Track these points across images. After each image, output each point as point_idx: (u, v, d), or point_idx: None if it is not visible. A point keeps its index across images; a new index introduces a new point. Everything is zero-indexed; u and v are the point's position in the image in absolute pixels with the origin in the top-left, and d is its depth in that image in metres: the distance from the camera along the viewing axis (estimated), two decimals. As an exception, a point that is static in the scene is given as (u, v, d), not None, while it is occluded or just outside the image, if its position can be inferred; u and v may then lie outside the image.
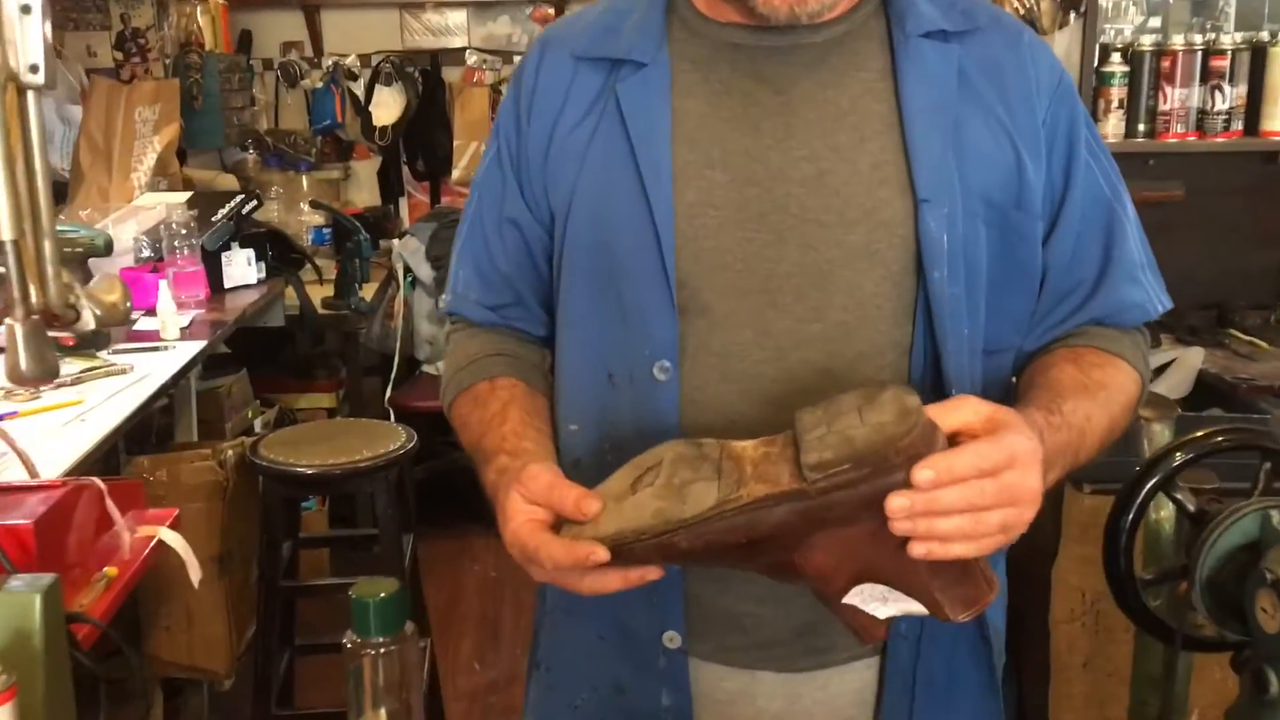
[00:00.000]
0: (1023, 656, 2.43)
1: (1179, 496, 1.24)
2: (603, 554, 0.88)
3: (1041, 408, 0.97)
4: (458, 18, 4.55)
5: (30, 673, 1.01)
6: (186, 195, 2.94)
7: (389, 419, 3.40)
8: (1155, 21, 3.03)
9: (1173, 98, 2.38)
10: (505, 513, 0.95)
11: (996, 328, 1.07)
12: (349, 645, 1.00)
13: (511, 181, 1.13)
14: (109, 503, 1.33)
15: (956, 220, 1.02)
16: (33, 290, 1.20)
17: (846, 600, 0.91)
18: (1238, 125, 2.41)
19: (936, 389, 1.03)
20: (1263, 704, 1.12)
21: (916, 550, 0.84)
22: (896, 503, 0.81)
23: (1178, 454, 1.25)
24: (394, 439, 2.47)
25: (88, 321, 1.37)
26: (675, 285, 1.03)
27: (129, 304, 1.53)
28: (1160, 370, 2.30)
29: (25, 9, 1.16)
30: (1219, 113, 2.39)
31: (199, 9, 3.84)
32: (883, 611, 0.92)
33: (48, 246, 1.23)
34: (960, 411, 0.86)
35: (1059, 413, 0.98)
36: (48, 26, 1.20)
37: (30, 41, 1.17)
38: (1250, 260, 2.50)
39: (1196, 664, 1.60)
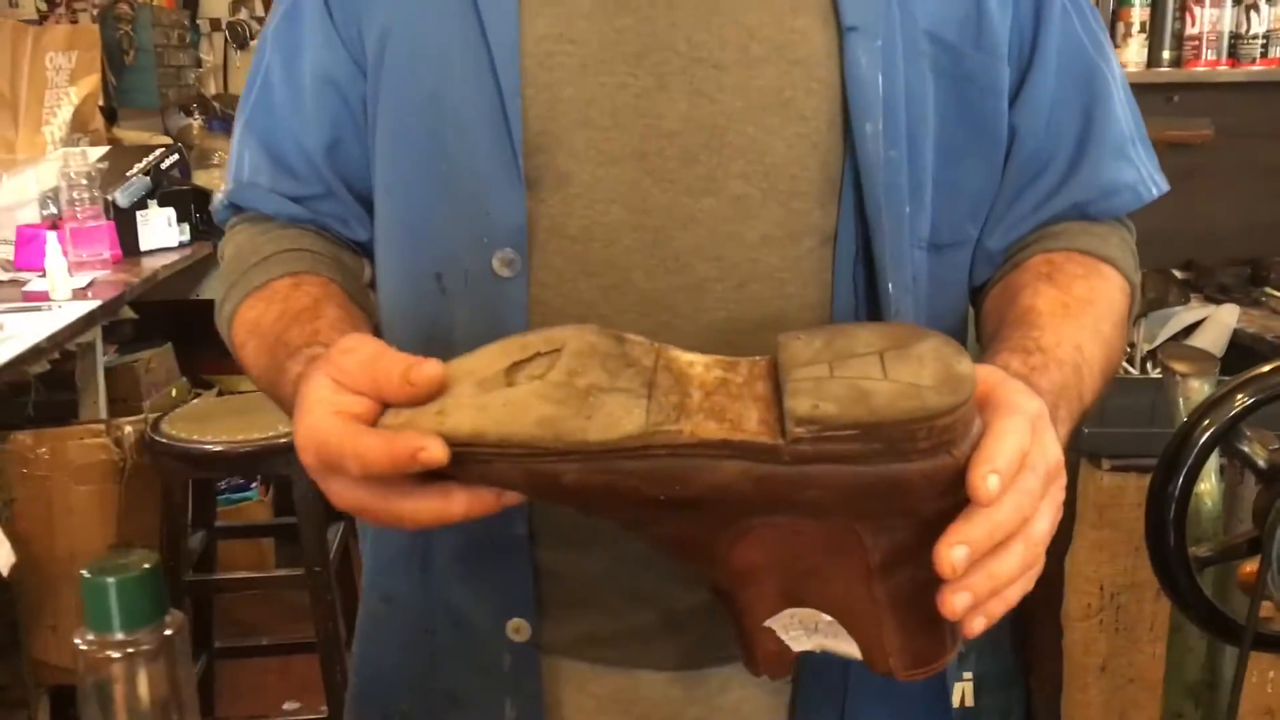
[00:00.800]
0: (1032, 659, 2.20)
1: (1245, 449, 0.95)
2: (437, 451, 0.58)
3: (1016, 350, 0.74)
4: (420, -26, 4.30)
5: None
6: (95, 150, 2.66)
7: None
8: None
9: (1201, 20, 2.19)
10: (304, 403, 0.64)
11: (948, 209, 0.82)
12: (84, 647, 0.71)
13: (326, 24, 0.84)
14: None
15: (895, 57, 0.78)
16: None
17: (768, 623, 0.65)
18: (1275, 52, 2.20)
19: (869, 289, 0.79)
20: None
21: (956, 604, 0.58)
22: (956, 555, 0.57)
23: (1239, 395, 0.96)
24: (317, 413, 2.19)
25: None
26: (522, 149, 0.77)
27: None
28: (1189, 330, 2.04)
29: None
30: (1254, 37, 2.19)
31: (135, -41, 3.57)
32: (802, 644, 0.66)
33: None
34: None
35: (1038, 349, 0.74)
36: None
37: None
38: None
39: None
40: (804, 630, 0.66)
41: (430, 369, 0.60)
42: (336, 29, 0.84)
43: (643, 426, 0.58)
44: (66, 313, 2.06)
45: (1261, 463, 0.94)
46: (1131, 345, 2.00)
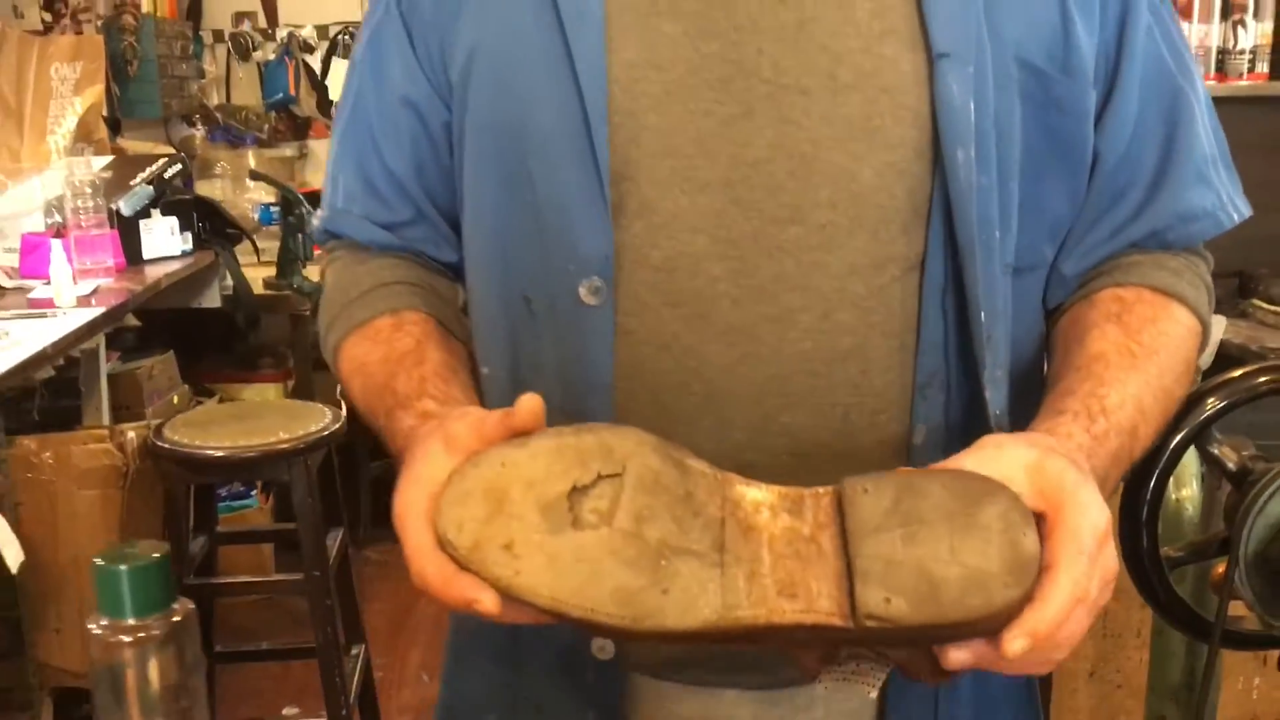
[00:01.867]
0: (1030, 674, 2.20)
1: (1215, 452, 0.98)
2: (491, 606, 0.62)
3: (1081, 414, 0.74)
4: (421, -13, 4.33)
5: None
6: (100, 159, 2.70)
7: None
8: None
9: (1190, 35, 2.20)
10: (410, 470, 0.68)
11: (1030, 234, 0.81)
12: (97, 632, 0.74)
13: (404, 46, 0.86)
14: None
15: (986, 83, 0.76)
16: None
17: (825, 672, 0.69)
18: (1262, 67, 2.23)
19: (955, 315, 0.79)
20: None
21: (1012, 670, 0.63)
22: (1015, 648, 0.60)
23: (1211, 399, 0.99)
24: (318, 419, 2.22)
25: None
26: (608, 176, 0.77)
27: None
28: (1177, 341, 2.06)
29: None
30: (1241, 52, 2.20)
31: (139, -29, 3.61)
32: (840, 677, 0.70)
33: None
34: (998, 465, 0.64)
35: (1103, 413, 0.74)
36: None
37: None
38: (1276, 223, 2.25)
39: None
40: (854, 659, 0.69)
41: (521, 413, 0.64)
42: (417, 55, 0.85)
43: (719, 611, 0.59)
44: (71, 320, 2.09)
45: (1231, 465, 0.97)
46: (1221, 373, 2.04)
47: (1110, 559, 0.63)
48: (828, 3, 0.77)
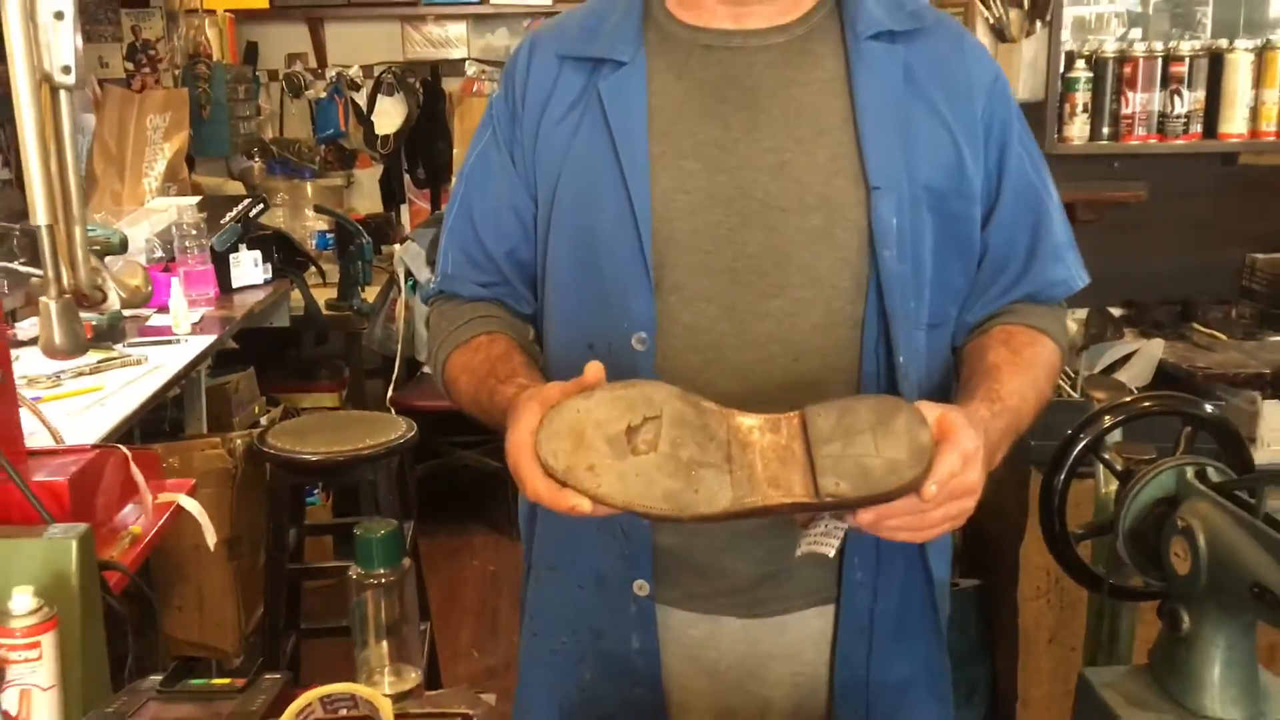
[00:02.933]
0: (996, 634, 2.55)
1: (1107, 456, 1.36)
2: (585, 507, 0.92)
3: (984, 399, 1.08)
4: (457, 30, 4.68)
5: (68, 611, 1.12)
6: (196, 199, 3.07)
7: (390, 417, 3.52)
8: (1136, 32, 3.16)
9: (1134, 102, 2.49)
10: (516, 422, 0.97)
11: (939, 301, 1.17)
12: (354, 577, 1.11)
13: (509, 169, 1.21)
14: (133, 468, 1.46)
15: (904, 206, 1.11)
16: (64, 272, 1.33)
17: (804, 536, 1.02)
18: (1196, 128, 2.52)
19: (887, 359, 1.14)
20: (1177, 641, 1.24)
21: (904, 538, 0.98)
22: (896, 525, 0.95)
23: (1106, 417, 1.37)
24: (395, 429, 2.59)
25: (114, 302, 1.50)
26: (651, 264, 1.12)
27: (150, 288, 1.66)
28: (1124, 360, 2.42)
29: (58, 15, 1.30)
30: (1178, 116, 2.50)
31: (207, 21, 3.98)
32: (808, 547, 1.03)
33: (78, 233, 1.36)
34: (923, 414, 0.97)
35: (998, 399, 1.09)
36: (79, 31, 1.34)
37: (62, 45, 1.31)
38: (1212, 257, 2.61)
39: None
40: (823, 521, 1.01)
41: (589, 374, 0.96)
42: (516, 171, 1.20)
43: (731, 500, 0.90)
44: (192, 346, 2.46)
45: (1119, 467, 1.34)
46: (1075, 373, 2.40)
47: (975, 468, 0.95)
48: (798, 150, 1.12)
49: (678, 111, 1.14)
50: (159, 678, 1.21)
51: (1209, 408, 1.39)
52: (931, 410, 0.96)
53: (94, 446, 1.43)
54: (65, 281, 1.34)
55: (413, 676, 1.13)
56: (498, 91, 1.26)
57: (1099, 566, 1.44)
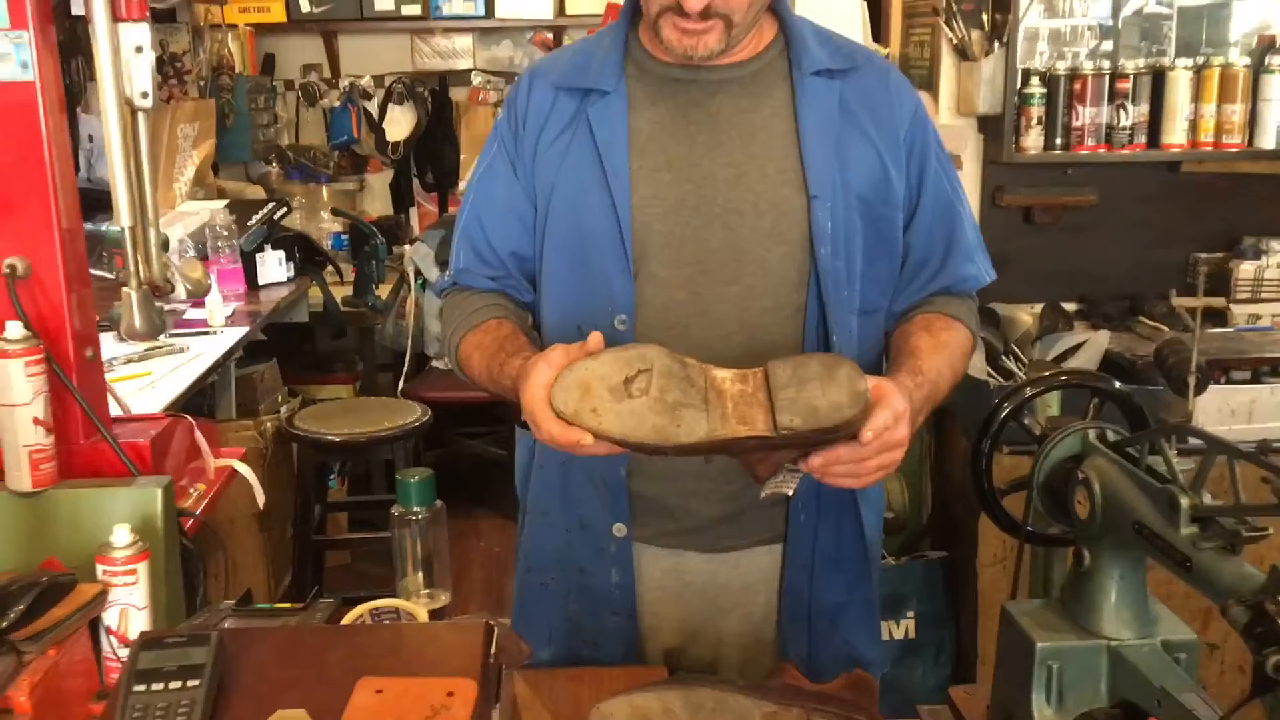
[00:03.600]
0: (960, 601, 2.80)
1: (1026, 422, 1.59)
2: (588, 441, 1.11)
3: (909, 372, 1.31)
4: (464, 42, 4.89)
5: (154, 546, 1.36)
6: (224, 203, 3.31)
7: (402, 407, 3.74)
8: (1108, 45, 3.39)
9: (1084, 115, 2.68)
10: (529, 380, 1.16)
11: (869, 292, 1.41)
12: (395, 514, 1.36)
13: (513, 180, 1.44)
14: (198, 434, 1.70)
15: (838, 211, 1.35)
16: (142, 266, 1.58)
17: (769, 479, 1.24)
18: (1141, 139, 2.71)
19: (822, 339, 1.37)
20: (1080, 575, 1.47)
21: (846, 484, 1.20)
22: (840, 471, 1.17)
23: (1027, 389, 1.61)
24: (411, 413, 2.84)
25: (180, 292, 1.75)
26: (631, 258, 1.35)
27: (209, 280, 1.91)
28: (1074, 350, 2.66)
29: (139, 49, 1.55)
30: (1124, 128, 2.71)
31: (229, 36, 4.22)
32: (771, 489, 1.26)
33: (152, 233, 1.61)
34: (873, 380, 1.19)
35: (920, 373, 1.31)
36: (153, 62, 1.58)
37: (141, 74, 1.56)
38: (1158, 256, 2.84)
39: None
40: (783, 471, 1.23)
41: (591, 343, 1.15)
42: (519, 182, 1.43)
43: (707, 431, 1.10)
44: (227, 336, 2.71)
45: (1036, 431, 1.58)
46: (1028, 360, 2.64)
47: (903, 425, 1.17)
48: (752, 164, 1.35)
49: (653, 132, 1.37)
50: (231, 602, 1.45)
51: (1117, 384, 1.63)
52: (869, 379, 1.18)
53: (166, 415, 1.67)
54: (143, 274, 1.59)
55: (443, 598, 1.38)
56: (502, 114, 1.48)
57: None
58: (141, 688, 1.04)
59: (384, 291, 3.98)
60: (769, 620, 1.49)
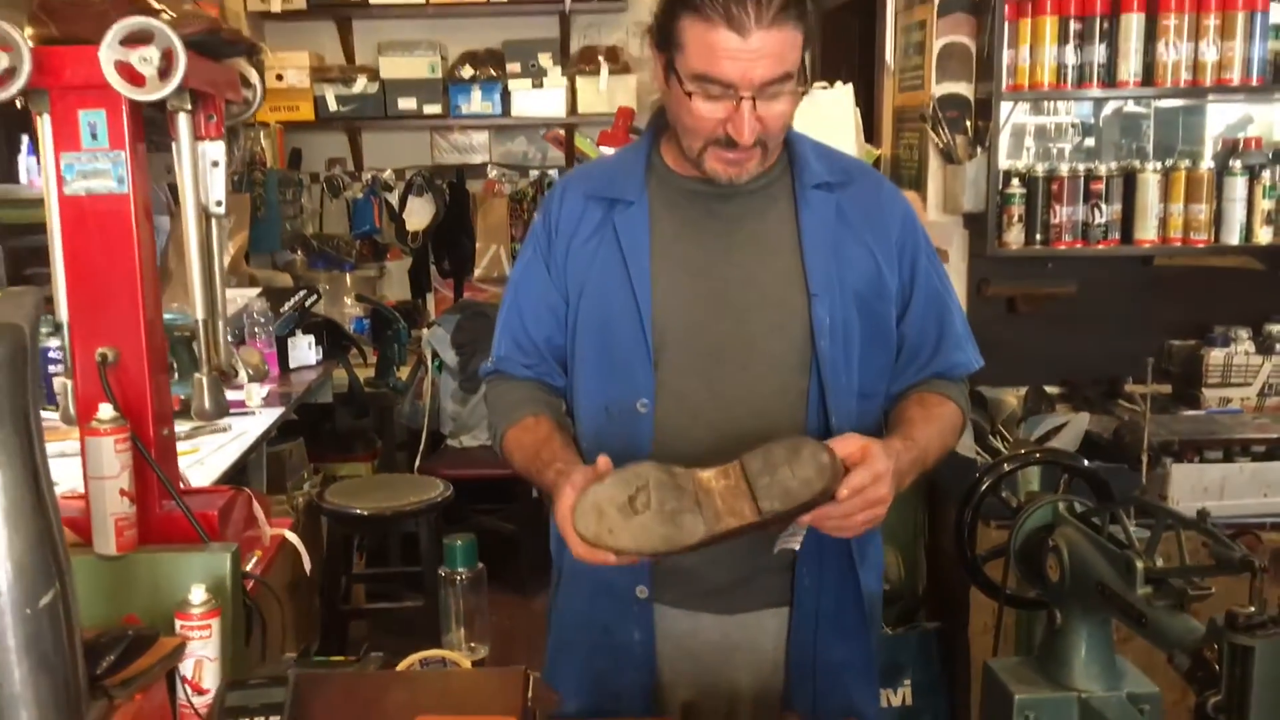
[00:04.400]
0: (953, 669, 2.93)
1: (1004, 495, 1.77)
2: (612, 560, 1.30)
3: (900, 436, 1.46)
4: (480, 138, 5.14)
5: (224, 604, 1.53)
6: (257, 290, 3.51)
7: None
8: (1090, 142, 3.63)
9: (1061, 213, 2.89)
10: (559, 503, 1.34)
11: (866, 377, 1.57)
12: (442, 575, 1.53)
13: (547, 279, 1.60)
14: (255, 506, 1.87)
15: (836, 307, 1.51)
16: (212, 354, 1.77)
17: (777, 540, 1.42)
18: (1115, 235, 2.93)
19: (823, 420, 1.52)
20: (1053, 633, 1.63)
21: (840, 534, 1.37)
22: (831, 525, 1.33)
23: (1005, 464, 1.79)
24: (434, 489, 3.01)
25: (243, 377, 1.94)
26: (652, 349, 1.51)
27: (266, 366, 2.10)
28: (1057, 430, 2.83)
29: (215, 164, 1.76)
30: (1099, 225, 2.92)
31: (261, 133, 4.47)
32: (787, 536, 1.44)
33: (220, 325, 1.80)
34: (847, 444, 1.34)
35: (911, 439, 1.46)
36: (226, 175, 1.79)
37: (217, 185, 1.76)
38: (1134, 343, 3.01)
39: None
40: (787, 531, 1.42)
41: (600, 466, 1.33)
42: (552, 281, 1.59)
43: (705, 532, 1.27)
44: (264, 417, 2.88)
45: (1013, 504, 1.75)
46: (1014, 438, 2.81)
47: (885, 484, 1.31)
48: (759, 266, 1.51)
49: (672, 237, 1.54)
50: (293, 655, 1.61)
51: (1085, 462, 1.81)
52: (857, 440, 1.34)
53: (229, 488, 1.85)
54: (213, 361, 1.78)
55: (483, 651, 1.55)
56: (538, 219, 1.66)
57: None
58: (231, 722, 1.20)
59: (403, 373, 4.16)
60: (777, 676, 1.62)
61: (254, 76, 1.93)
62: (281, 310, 3.42)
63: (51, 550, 1.18)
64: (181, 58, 1.53)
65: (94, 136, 1.60)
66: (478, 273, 4.99)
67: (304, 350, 3.49)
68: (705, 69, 1.39)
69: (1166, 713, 1.63)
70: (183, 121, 1.67)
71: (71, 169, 1.61)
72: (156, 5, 1.74)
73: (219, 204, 1.78)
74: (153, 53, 1.53)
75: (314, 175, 5.04)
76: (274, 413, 2.95)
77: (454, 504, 3.24)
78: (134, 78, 1.54)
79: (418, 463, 4.30)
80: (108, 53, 1.52)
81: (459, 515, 4.27)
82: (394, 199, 4.95)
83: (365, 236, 4.92)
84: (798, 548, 1.41)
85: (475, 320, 4.29)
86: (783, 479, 1.27)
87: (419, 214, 4.89)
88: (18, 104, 1.57)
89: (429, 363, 4.35)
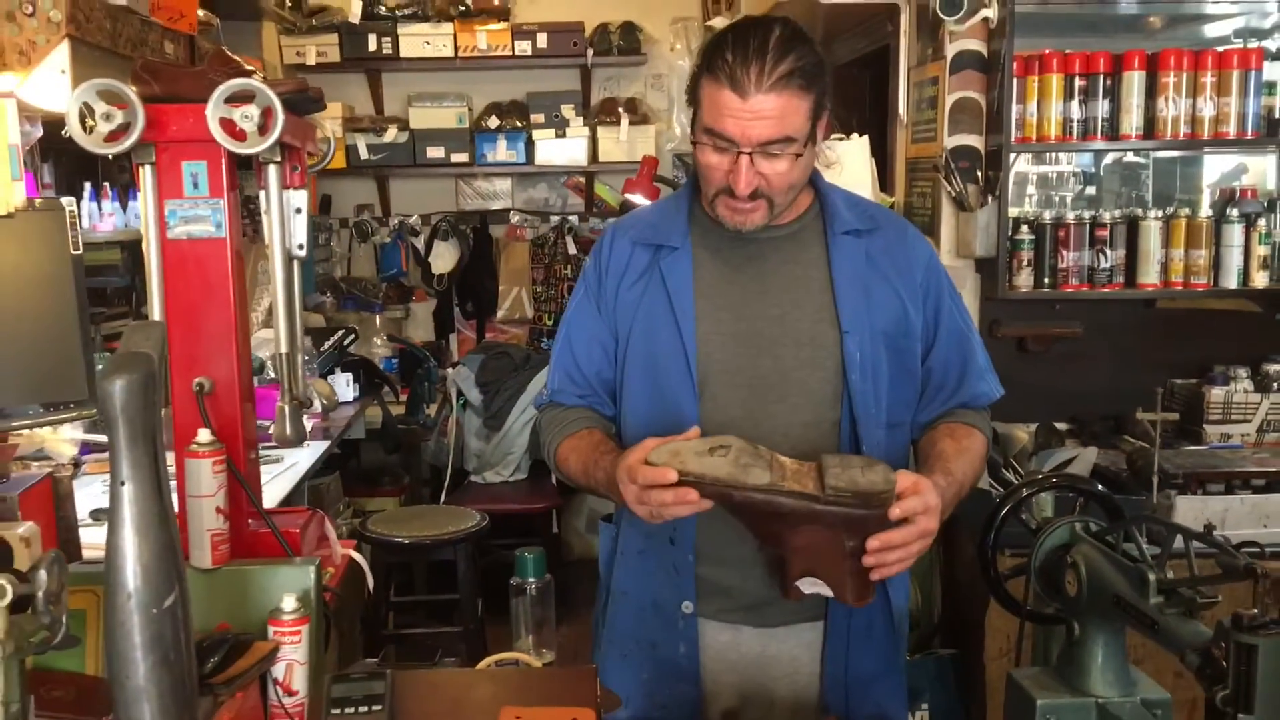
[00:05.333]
0: (968, 692, 3.05)
1: (1024, 517, 1.91)
2: (673, 475, 1.35)
3: (939, 472, 1.57)
4: (503, 184, 5.31)
5: (310, 613, 1.66)
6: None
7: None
8: (1091, 189, 3.80)
9: (1068, 258, 3.04)
10: (627, 455, 1.44)
11: (894, 409, 1.69)
12: (514, 584, 1.67)
13: (598, 317, 1.74)
14: (328, 525, 2.01)
15: (866, 344, 1.65)
16: (293, 384, 1.91)
17: (796, 581, 1.52)
18: (1119, 279, 3.06)
19: (854, 448, 1.64)
20: (1072, 644, 1.76)
21: (875, 574, 1.46)
22: (894, 556, 1.41)
23: (1024, 489, 1.92)
24: (471, 519, 3.14)
25: (317, 406, 2.09)
26: (697, 383, 1.64)
27: (336, 396, 2.24)
28: (1066, 464, 2.97)
29: (298, 210, 1.91)
30: (1104, 269, 3.05)
31: (295, 179, 4.63)
32: (808, 589, 1.51)
33: (299, 358, 1.95)
34: (903, 478, 1.45)
35: (949, 474, 1.57)
36: (307, 220, 1.94)
37: (299, 230, 1.92)
38: (1138, 381, 3.11)
39: None
40: (810, 583, 1.53)
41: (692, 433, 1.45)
42: (602, 319, 1.73)
43: (769, 481, 1.38)
44: (313, 450, 3.03)
45: (1032, 525, 1.89)
46: (1026, 471, 2.95)
47: (935, 517, 1.45)
48: (794, 306, 1.63)
49: (713, 280, 1.67)
50: (374, 660, 1.74)
51: (1099, 486, 1.95)
52: (911, 475, 1.46)
53: (306, 509, 1.99)
54: (293, 391, 1.93)
55: (549, 655, 1.68)
56: (589, 262, 1.80)
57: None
58: (337, 711, 1.33)
59: (432, 410, 4.31)
60: (812, 687, 1.73)
61: (328, 129, 2.10)
62: (321, 349, 3.57)
63: (173, 557, 1.31)
64: (280, 115, 1.69)
65: (195, 186, 1.76)
66: (500, 314, 5.14)
67: (343, 387, 3.64)
68: (712, 124, 1.54)
69: (1175, 718, 1.75)
70: (272, 173, 1.82)
71: (174, 215, 1.76)
72: (248, 66, 1.91)
73: (301, 247, 1.93)
74: (253, 111, 1.70)
75: (343, 220, 5.20)
76: (320, 446, 3.09)
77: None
78: (235, 133, 1.70)
79: (443, 497, 4.44)
80: (214, 110, 1.68)
81: (483, 549, 4.40)
82: (420, 243, 5.11)
83: (392, 279, 5.08)
84: (828, 592, 1.52)
85: (499, 360, 4.44)
86: (853, 475, 1.39)
87: (444, 258, 5.04)
88: (110, 156, 1.72)
89: (454, 401, 4.49)
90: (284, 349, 1.89)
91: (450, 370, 4.64)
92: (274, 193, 1.85)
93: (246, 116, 1.70)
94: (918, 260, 1.72)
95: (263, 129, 1.70)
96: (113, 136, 1.67)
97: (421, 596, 3.75)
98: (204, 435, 1.69)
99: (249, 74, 1.81)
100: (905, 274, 1.69)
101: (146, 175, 1.75)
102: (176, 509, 1.70)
